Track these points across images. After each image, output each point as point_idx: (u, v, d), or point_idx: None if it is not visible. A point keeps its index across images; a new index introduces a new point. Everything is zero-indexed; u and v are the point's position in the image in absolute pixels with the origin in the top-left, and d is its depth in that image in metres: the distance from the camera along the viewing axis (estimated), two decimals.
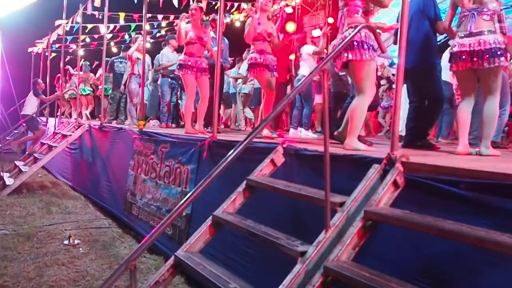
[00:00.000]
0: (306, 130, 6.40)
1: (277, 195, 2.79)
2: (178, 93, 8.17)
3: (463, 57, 3.42)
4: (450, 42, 5.12)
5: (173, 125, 7.96)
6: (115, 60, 8.90)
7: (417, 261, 2.13)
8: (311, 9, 15.26)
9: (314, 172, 2.81)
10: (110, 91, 9.53)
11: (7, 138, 13.98)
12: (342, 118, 4.01)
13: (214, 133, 4.19)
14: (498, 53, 3.28)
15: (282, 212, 3.01)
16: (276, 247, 2.24)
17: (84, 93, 10.87)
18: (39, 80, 10.99)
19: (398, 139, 2.41)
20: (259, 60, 4.70)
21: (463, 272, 1.96)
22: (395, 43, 3.82)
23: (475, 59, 3.35)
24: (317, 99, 7.88)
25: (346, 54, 3.21)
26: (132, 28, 13.43)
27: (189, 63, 5.31)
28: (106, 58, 8.71)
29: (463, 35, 3.48)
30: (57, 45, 13.47)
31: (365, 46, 3.15)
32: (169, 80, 7.87)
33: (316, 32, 12.68)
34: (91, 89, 11.15)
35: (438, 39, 4.64)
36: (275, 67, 4.83)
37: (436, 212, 1.96)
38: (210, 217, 2.73)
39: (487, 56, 3.30)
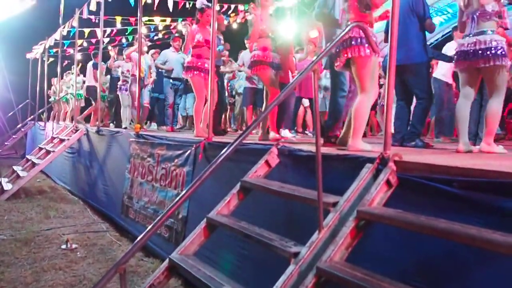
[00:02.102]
0: (283, 130, 6.28)
1: (272, 196, 2.78)
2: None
3: (467, 56, 3.49)
4: (451, 45, 5.12)
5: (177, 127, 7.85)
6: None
7: (411, 261, 2.12)
8: (308, 10, 15.27)
9: (309, 172, 2.79)
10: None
11: (6, 143, 14.03)
12: (330, 118, 3.99)
13: (209, 135, 4.18)
14: (501, 52, 3.35)
15: (276, 213, 3.00)
16: (270, 248, 2.23)
17: (80, 98, 10.81)
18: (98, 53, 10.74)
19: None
20: (262, 57, 4.56)
21: (457, 271, 1.94)
22: (385, 41, 3.81)
23: (478, 57, 3.40)
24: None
25: (345, 54, 3.15)
26: (129, 31, 13.44)
27: (197, 64, 5.16)
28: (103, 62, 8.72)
29: (466, 36, 3.58)
30: (54, 50, 13.47)
31: (364, 42, 3.07)
32: (171, 81, 7.77)
33: (314, 33, 12.64)
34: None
35: (435, 38, 4.66)
36: (279, 65, 4.68)
37: (430, 211, 1.95)
38: (205, 219, 2.72)
39: (490, 54, 3.35)
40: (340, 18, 3.52)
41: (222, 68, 8.12)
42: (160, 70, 7.95)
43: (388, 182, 2.22)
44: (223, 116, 8.47)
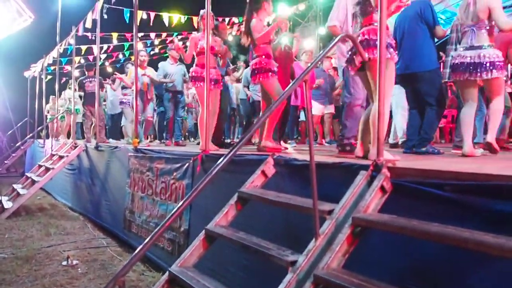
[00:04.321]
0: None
1: (269, 206, 2.81)
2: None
3: (463, 68, 3.68)
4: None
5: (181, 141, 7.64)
6: (84, 80, 9.02)
7: (407, 265, 2.14)
8: (302, 21, 15.42)
9: (304, 181, 2.82)
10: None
11: (5, 162, 14.06)
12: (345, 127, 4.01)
13: (207, 147, 4.21)
14: (496, 66, 3.57)
15: (274, 223, 3.02)
16: (268, 258, 2.25)
17: (78, 113, 10.87)
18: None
19: (396, 146, 2.43)
20: (265, 64, 4.37)
21: (454, 274, 1.96)
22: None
23: (474, 71, 3.62)
24: (316, 110, 7.91)
25: (366, 54, 3.05)
26: (126, 48, 13.56)
27: (202, 74, 4.88)
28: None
29: (463, 48, 3.75)
30: (52, 68, 13.57)
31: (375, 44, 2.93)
32: (169, 95, 7.61)
33: (309, 44, 12.81)
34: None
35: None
36: (276, 73, 4.47)
37: (424, 216, 1.97)
38: (203, 231, 2.74)
39: (486, 68, 3.58)
40: (352, 22, 3.46)
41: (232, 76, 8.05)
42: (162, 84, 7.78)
43: (382, 188, 2.25)
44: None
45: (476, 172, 1.99)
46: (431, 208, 2.05)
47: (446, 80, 5.07)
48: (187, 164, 4.36)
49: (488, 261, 1.81)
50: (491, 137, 3.81)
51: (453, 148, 4.52)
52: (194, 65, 5.18)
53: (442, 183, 2.02)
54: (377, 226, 2.04)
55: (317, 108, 7.91)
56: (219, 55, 5.44)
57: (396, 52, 3.20)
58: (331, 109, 8.18)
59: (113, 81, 9.32)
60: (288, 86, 2.22)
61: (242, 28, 4.82)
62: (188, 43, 5.53)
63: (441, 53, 6.02)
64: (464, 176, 2.01)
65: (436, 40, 4.34)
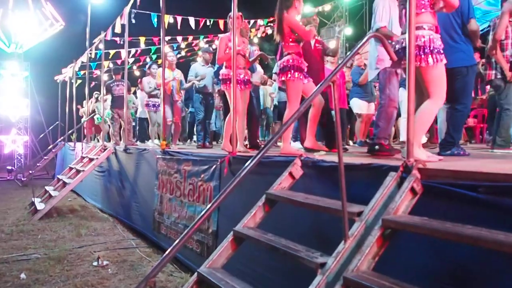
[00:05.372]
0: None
1: (297, 207, 2.80)
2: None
3: None
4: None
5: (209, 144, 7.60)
6: (111, 84, 9.18)
7: (440, 268, 2.10)
8: (327, 22, 15.33)
9: (333, 183, 2.80)
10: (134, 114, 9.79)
11: (38, 164, 14.47)
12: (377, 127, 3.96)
13: (234, 149, 4.23)
14: None
15: (302, 224, 3.01)
16: (296, 259, 2.25)
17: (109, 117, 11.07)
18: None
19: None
20: (295, 62, 4.24)
21: (488, 277, 1.91)
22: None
23: None
24: (363, 109, 7.69)
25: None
26: (153, 51, 13.77)
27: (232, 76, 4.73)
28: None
29: None
30: (82, 72, 13.91)
31: (427, 51, 2.93)
32: (200, 96, 7.56)
33: (332, 44, 12.66)
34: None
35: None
36: (305, 73, 4.36)
37: (456, 218, 1.93)
38: (231, 232, 2.75)
39: None
40: (400, 21, 3.31)
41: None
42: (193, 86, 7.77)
43: (412, 190, 2.21)
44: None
45: (509, 173, 1.93)
46: (463, 211, 2.01)
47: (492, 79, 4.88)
48: (214, 166, 4.39)
49: None
50: None
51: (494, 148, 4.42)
52: (223, 67, 5.17)
53: (476, 184, 1.97)
54: (408, 228, 2.00)
55: (364, 107, 7.65)
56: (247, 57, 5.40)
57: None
58: (372, 109, 7.81)
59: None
60: (315, 88, 2.21)
61: (274, 26, 4.73)
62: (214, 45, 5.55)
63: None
64: (499, 177, 1.95)
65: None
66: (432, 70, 2.97)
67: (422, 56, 2.93)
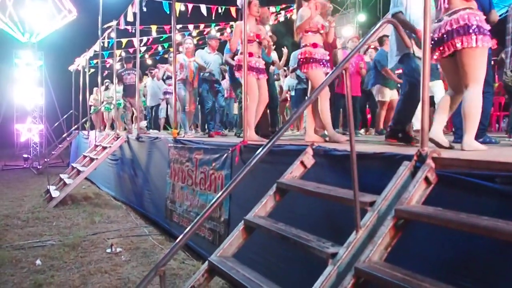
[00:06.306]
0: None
1: (308, 196, 2.77)
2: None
3: None
4: None
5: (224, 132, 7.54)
6: (122, 73, 9.14)
7: (454, 260, 2.06)
8: (341, 8, 15.13)
9: (345, 172, 2.76)
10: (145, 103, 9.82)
11: (53, 152, 14.65)
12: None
13: (245, 137, 4.21)
14: None
15: (313, 214, 2.98)
16: (307, 249, 2.23)
17: (119, 106, 11.03)
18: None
19: None
20: (312, 53, 4.26)
21: (504, 270, 1.87)
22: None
23: None
24: (386, 96, 7.37)
25: (457, 42, 2.83)
26: (163, 38, 13.75)
27: (249, 63, 4.72)
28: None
29: None
30: (95, 61, 13.98)
31: (476, 31, 2.80)
32: (207, 85, 7.29)
33: (348, 31, 12.56)
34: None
35: None
36: (328, 63, 4.39)
37: (472, 208, 1.89)
38: (242, 221, 2.74)
39: None
40: (438, 6, 3.14)
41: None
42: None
43: (426, 180, 2.17)
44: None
45: None
46: (479, 201, 1.96)
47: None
48: (225, 155, 4.37)
49: None
50: None
51: None
52: (239, 53, 5.08)
53: (492, 174, 1.92)
54: (422, 218, 1.96)
55: (387, 94, 7.36)
56: (264, 45, 5.31)
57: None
58: (395, 95, 7.43)
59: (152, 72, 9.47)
60: (328, 75, 2.16)
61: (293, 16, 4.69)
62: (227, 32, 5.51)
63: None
64: None
65: None
66: (477, 52, 2.85)
67: (472, 36, 2.80)
